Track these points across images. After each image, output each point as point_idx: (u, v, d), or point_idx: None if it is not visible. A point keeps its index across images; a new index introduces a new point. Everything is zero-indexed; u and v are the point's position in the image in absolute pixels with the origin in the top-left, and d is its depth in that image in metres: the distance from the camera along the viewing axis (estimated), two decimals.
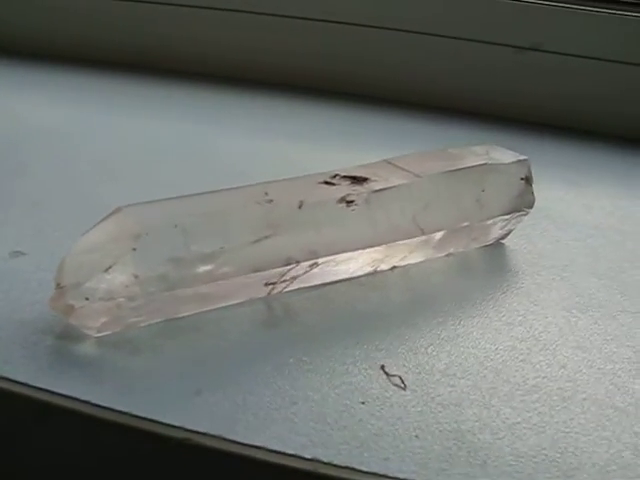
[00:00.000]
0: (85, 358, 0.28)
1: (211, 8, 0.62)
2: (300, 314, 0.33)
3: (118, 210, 0.31)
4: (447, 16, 0.59)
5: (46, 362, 0.28)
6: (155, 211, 0.31)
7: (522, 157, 0.40)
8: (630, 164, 0.55)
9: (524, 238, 0.41)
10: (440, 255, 0.38)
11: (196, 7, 0.62)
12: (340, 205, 0.34)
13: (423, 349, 0.31)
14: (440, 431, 0.27)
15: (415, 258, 0.37)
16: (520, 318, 0.34)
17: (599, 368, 0.31)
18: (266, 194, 0.33)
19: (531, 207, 0.40)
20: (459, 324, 0.33)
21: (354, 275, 0.36)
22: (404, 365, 0.30)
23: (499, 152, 0.41)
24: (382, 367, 0.30)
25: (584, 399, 0.29)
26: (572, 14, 0.57)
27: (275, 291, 0.33)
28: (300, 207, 0.33)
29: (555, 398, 0.29)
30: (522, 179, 0.40)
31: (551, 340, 0.33)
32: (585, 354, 0.32)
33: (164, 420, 0.26)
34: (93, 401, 0.26)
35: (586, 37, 0.57)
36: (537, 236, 0.42)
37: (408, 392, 0.29)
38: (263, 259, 0.32)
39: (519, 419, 0.28)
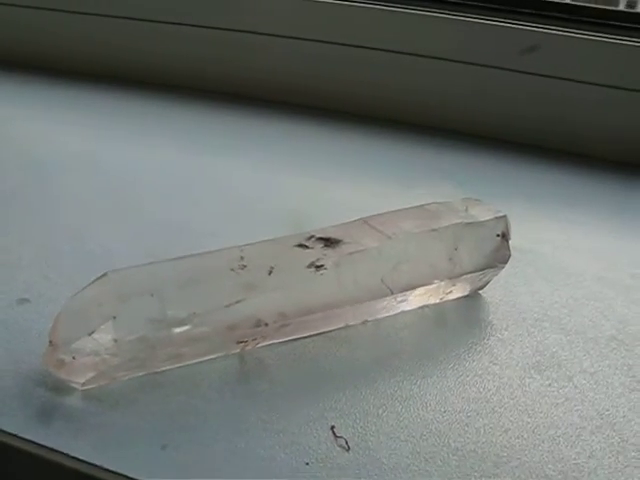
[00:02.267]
0: (70, 411, 0.32)
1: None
2: (269, 371, 0.36)
3: (104, 276, 0.35)
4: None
5: (35, 413, 0.32)
6: (136, 278, 0.35)
7: (500, 214, 0.42)
8: (626, 191, 0.56)
9: (503, 288, 0.43)
10: (413, 308, 0.41)
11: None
12: (309, 270, 0.37)
13: (374, 410, 0.34)
14: None
15: (386, 313, 0.40)
16: (476, 378, 0.36)
17: (539, 434, 0.34)
18: (242, 258, 0.37)
19: (506, 262, 0.42)
20: (415, 384, 0.36)
21: (325, 330, 0.38)
22: (353, 426, 0.33)
23: (478, 208, 0.42)
24: (332, 428, 0.33)
25: (516, 466, 0.32)
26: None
27: (247, 347, 0.37)
28: (270, 273, 0.36)
29: (489, 464, 0.32)
30: (498, 235, 0.42)
31: (500, 403, 0.35)
32: (530, 419, 0.34)
33: (130, 474, 0.30)
34: (71, 454, 0.30)
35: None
36: (516, 285, 0.44)
37: (351, 454, 0.32)
38: (235, 321, 0.35)
39: None
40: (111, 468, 0.30)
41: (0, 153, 0.55)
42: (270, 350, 0.37)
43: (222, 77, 0.67)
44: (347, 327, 0.39)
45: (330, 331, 0.38)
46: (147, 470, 0.30)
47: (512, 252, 0.42)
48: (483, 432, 0.33)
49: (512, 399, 0.35)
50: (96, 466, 0.30)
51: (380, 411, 0.34)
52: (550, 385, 0.36)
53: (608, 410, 0.35)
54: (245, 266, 0.36)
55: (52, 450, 0.30)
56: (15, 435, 0.31)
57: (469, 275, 0.41)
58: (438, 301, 0.41)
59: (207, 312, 0.35)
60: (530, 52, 0.59)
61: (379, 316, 0.40)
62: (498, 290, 0.43)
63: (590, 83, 0.59)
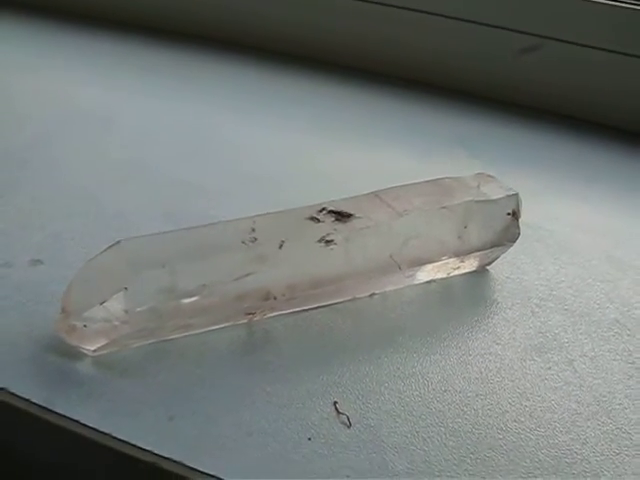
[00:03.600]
0: (81, 377, 0.33)
1: None
2: (275, 342, 0.37)
3: (117, 244, 0.35)
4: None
5: (48, 379, 0.33)
6: (148, 249, 0.35)
7: (511, 192, 0.42)
8: (635, 162, 0.56)
9: (510, 264, 0.44)
10: (420, 282, 0.41)
11: None
12: (319, 244, 0.37)
13: (377, 387, 0.35)
14: (370, 472, 0.31)
15: (393, 286, 0.41)
16: (478, 358, 0.37)
17: (536, 418, 0.34)
18: (253, 230, 0.37)
19: (515, 241, 0.42)
20: (418, 362, 0.37)
21: (332, 302, 0.39)
22: (355, 402, 0.34)
23: (490, 185, 0.42)
24: (335, 403, 0.34)
25: (510, 450, 0.33)
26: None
27: (255, 318, 0.37)
28: (280, 247, 0.36)
29: (484, 447, 0.33)
30: (508, 214, 0.42)
31: (500, 384, 0.36)
32: (528, 402, 0.35)
33: (138, 443, 0.31)
34: (82, 421, 0.31)
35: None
36: (524, 262, 0.44)
37: (352, 431, 0.33)
38: (244, 294, 0.36)
39: (444, 466, 0.31)
40: (120, 437, 0.31)
41: (17, 105, 0.55)
42: (277, 321, 0.38)
43: (230, 29, 0.66)
44: (354, 300, 0.40)
45: (337, 303, 0.39)
46: (155, 440, 0.31)
47: (522, 227, 0.42)
48: (481, 414, 0.34)
49: (512, 381, 0.36)
50: (105, 434, 0.31)
51: (382, 388, 0.35)
52: (550, 368, 0.37)
53: (605, 397, 0.36)
54: (256, 239, 0.37)
55: (62, 416, 0.31)
56: (28, 400, 0.32)
57: (477, 253, 0.42)
58: (445, 276, 0.42)
59: (217, 284, 0.35)
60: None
61: (386, 289, 0.40)
62: (505, 266, 0.44)
63: (614, 52, 0.58)
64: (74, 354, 0.34)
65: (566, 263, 0.45)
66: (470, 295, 0.42)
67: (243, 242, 0.36)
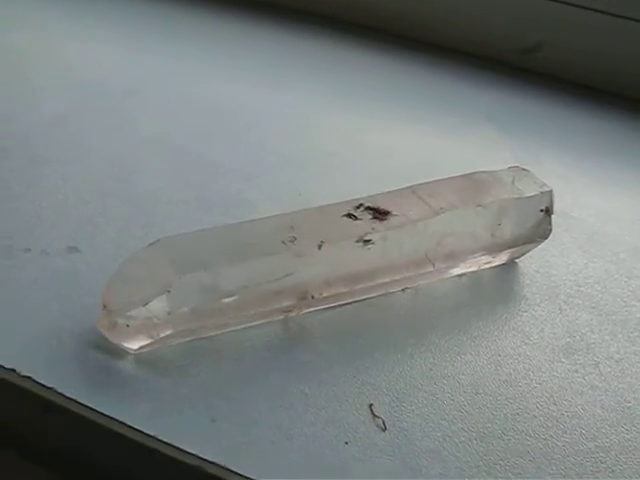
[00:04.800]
0: (123, 377, 0.34)
1: None
2: (311, 339, 0.37)
3: (158, 242, 0.36)
4: None
5: (91, 378, 0.34)
6: (190, 250, 0.35)
7: (546, 188, 0.42)
8: None
9: (539, 256, 0.44)
10: (452, 275, 0.42)
11: None
12: (358, 244, 0.38)
13: (410, 390, 0.36)
14: (405, 477, 0.32)
15: (425, 281, 0.41)
16: (508, 359, 0.38)
17: (563, 424, 0.35)
18: (292, 228, 0.37)
19: (546, 238, 0.43)
20: (450, 362, 0.37)
21: (366, 297, 0.39)
22: (390, 404, 0.35)
23: (525, 181, 0.42)
24: (370, 406, 0.35)
25: (538, 457, 0.34)
26: None
27: (292, 314, 0.38)
28: (320, 247, 0.37)
29: (513, 453, 0.34)
30: (542, 210, 0.42)
31: (529, 387, 0.37)
32: (555, 406, 0.36)
33: (184, 447, 0.32)
34: (128, 423, 0.32)
35: None
36: (552, 254, 0.44)
37: (387, 434, 0.34)
38: (283, 293, 0.37)
39: (475, 472, 0.32)
40: (165, 439, 0.32)
41: (48, 75, 0.54)
42: (312, 317, 0.38)
43: None
44: (387, 294, 0.40)
45: (371, 298, 0.40)
46: (198, 443, 0.32)
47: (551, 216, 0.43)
48: (511, 419, 0.35)
49: (540, 384, 0.37)
50: (150, 436, 0.32)
51: (415, 391, 0.36)
52: (577, 371, 0.38)
53: (630, 403, 0.37)
54: (295, 238, 0.37)
55: (107, 417, 0.32)
56: (75, 400, 0.33)
57: (509, 249, 0.42)
58: (476, 269, 0.43)
59: (257, 285, 0.36)
60: None
61: (418, 283, 0.41)
62: (534, 259, 0.44)
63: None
64: (116, 351, 0.35)
65: (594, 256, 0.45)
66: (500, 290, 0.42)
67: (283, 242, 0.37)
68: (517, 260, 0.44)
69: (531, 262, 0.44)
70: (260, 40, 0.61)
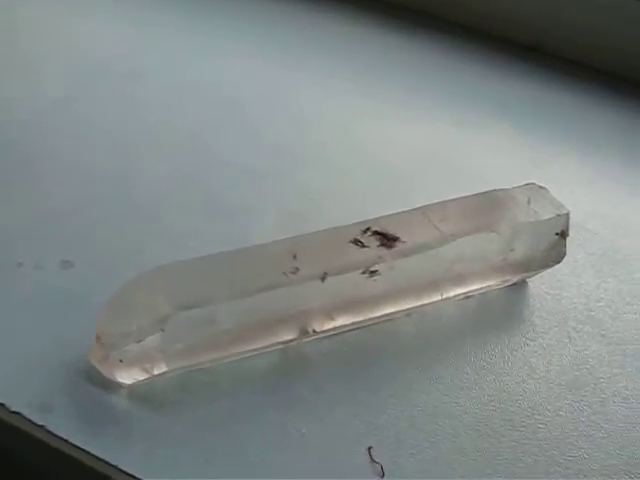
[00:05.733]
0: (117, 413, 0.33)
1: None
2: (310, 371, 0.36)
3: (154, 272, 0.34)
4: None
5: (83, 414, 0.33)
6: (186, 281, 0.34)
7: (563, 210, 0.40)
8: None
9: (550, 275, 0.42)
10: (459, 297, 0.40)
11: None
12: (363, 276, 0.36)
13: (411, 431, 0.34)
14: None
15: (431, 305, 0.39)
16: (512, 396, 0.36)
17: (567, 468, 0.34)
18: (294, 257, 0.35)
19: (560, 261, 0.41)
20: (453, 399, 0.36)
21: (369, 323, 0.38)
22: (389, 446, 0.34)
23: (541, 202, 0.40)
24: (369, 449, 0.34)
25: None
26: None
27: (292, 344, 0.37)
28: (323, 280, 0.35)
29: None
30: (557, 234, 0.40)
31: (532, 429, 0.35)
32: (557, 451, 0.34)
33: None
34: (120, 466, 0.31)
35: None
36: (564, 274, 0.42)
37: None
38: (282, 327, 0.35)
39: None
40: None
41: (51, 55, 0.51)
42: (312, 346, 0.37)
43: None
44: (391, 319, 0.39)
45: (374, 322, 0.39)
46: None
47: None
48: (513, 464, 0.34)
49: (544, 424, 0.36)
50: None
51: (416, 432, 0.34)
52: (582, 410, 0.37)
53: (635, 445, 0.36)
54: (297, 269, 0.35)
55: (101, 460, 0.31)
56: (65, 440, 0.32)
57: (520, 273, 0.41)
58: (484, 291, 0.41)
59: (255, 319, 0.35)
60: None
61: (424, 307, 0.39)
62: (545, 277, 0.42)
63: None
64: (109, 384, 0.34)
65: (607, 275, 0.43)
66: (507, 315, 0.41)
67: (284, 273, 0.35)
68: (527, 280, 0.43)
69: (542, 282, 0.42)
70: (271, 19, 0.57)
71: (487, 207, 0.40)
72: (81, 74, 0.50)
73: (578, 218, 0.45)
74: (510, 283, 0.41)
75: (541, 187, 0.41)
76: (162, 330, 0.33)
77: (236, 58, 0.53)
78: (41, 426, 0.32)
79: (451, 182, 0.47)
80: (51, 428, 0.32)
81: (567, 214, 0.40)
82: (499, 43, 0.57)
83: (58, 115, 0.46)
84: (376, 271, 0.36)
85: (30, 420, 0.32)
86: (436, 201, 0.40)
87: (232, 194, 0.43)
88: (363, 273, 0.36)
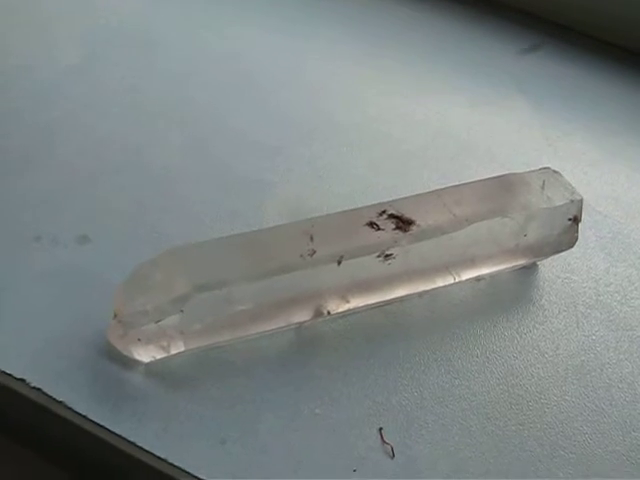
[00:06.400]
0: (134, 391, 0.34)
1: None
2: (324, 351, 0.37)
3: (173, 252, 0.34)
4: None
5: (101, 391, 0.33)
6: (204, 262, 0.34)
7: (577, 196, 0.40)
8: None
9: (560, 258, 0.42)
10: (470, 279, 0.40)
11: None
12: (379, 259, 0.36)
13: (420, 413, 0.35)
14: None
15: (443, 286, 0.40)
16: (520, 379, 0.37)
17: (571, 452, 0.35)
18: (311, 239, 0.36)
19: (572, 246, 0.41)
20: (462, 382, 0.36)
21: (382, 303, 0.38)
22: (400, 428, 0.35)
23: (555, 187, 0.40)
24: (380, 430, 0.35)
25: None
26: None
27: (305, 324, 0.37)
28: (339, 263, 0.35)
29: None
30: (570, 219, 0.41)
31: (539, 413, 0.36)
32: (562, 435, 0.35)
33: (191, 471, 0.32)
34: (138, 443, 0.32)
35: None
36: (574, 257, 0.43)
37: (395, 462, 0.34)
38: (297, 308, 0.36)
39: None
40: (174, 462, 0.32)
41: (64, 20, 0.50)
42: (326, 325, 0.38)
43: None
44: (404, 300, 0.39)
45: (387, 303, 0.39)
46: (207, 467, 0.32)
47: None
48: (519, 448, 0.35)
49: (550, 408, 0.37)
50: (160, 458, 0.32)
51: (425, 414, 0.35)
52: (588, 396, 0.38)
53: (637, 432, 0.37)
54: (314, 251, 0.35)
55: (119, 436, 0.32)
56: (85, 416, 0.32)
57: (532, 258, 0.41)
58: (495, 273, 0.41)
59: (272, 300, 0.35)
60: None
61: (436, 288, 0.40)
62: (556, 260, 0.43)
63: None
64: (127, 360, 0.34)
65: (617, 260, 0.44)
66: (518, 298, 0.41)
67: (301, 255, 0.35)
68: (538, 262, 0.43)
69: (552, 265, 0.43)
70: None
71: (501, 192, 0.40)
72: (96, 41, 0.49)
73: (590, 200, 0.46)
74: (521, 266, 0.42)
75: (555, 172, 0.41)
76: (181, 311, 0.33)
77: (250, 29, 0.53)
78: (60, 402, 0.33)
79: (462, 160, 0.47)
80: (70, 404, 0.33)
81: (580, 200, 0.40)
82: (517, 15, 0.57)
83: (73, 83, 0.46)
84: (391, 254, 0.37)
85: (50, 396, 0.33)
86: (448, 179, 0.40)
87: (244, 167, 0.44)
88: (378, 257, 0.36)
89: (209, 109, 0.47)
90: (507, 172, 0.43)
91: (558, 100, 0.52)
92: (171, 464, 0.32)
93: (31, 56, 0.47)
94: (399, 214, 0.38)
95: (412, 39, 0.55)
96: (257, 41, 0.52)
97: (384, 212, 0.38)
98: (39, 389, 0.33)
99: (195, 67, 0.49)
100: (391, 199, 0.39)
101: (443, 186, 0.40)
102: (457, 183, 0.40)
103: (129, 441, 0.32)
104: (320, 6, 0.55)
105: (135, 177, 0.42)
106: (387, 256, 0.37)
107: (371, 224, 0.37)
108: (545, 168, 0.42)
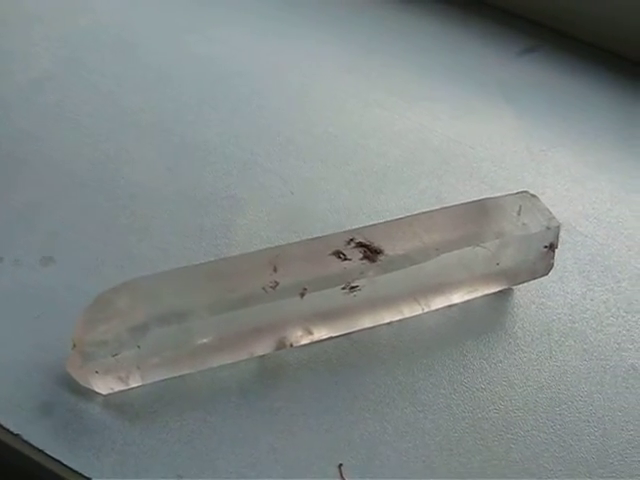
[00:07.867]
0: (91, 424, 0.33)
1: None
2: (287, 382, 0.36)
3: (131, 284, 0.34)
4: None
5: (58, 424, 0.33)
6: (164, 295, 0.33)
7: (553, 223, 0.39)
8: None
9: (537, 283, 0.41)
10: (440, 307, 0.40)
11: None
12: (343, 291, 0.35)
13: (382, 448, 0.34)
14: None
15: (411, 316, 0.39)
16: (486, 414, 0.36)
17: None
18: (275, 270, 0.35)
19: (547, 274, 0.40)
20: (427, 416, 0.36)
21: (347, 333, 0.38)
22: (360, 463, 0.34)
23: (532, 212, 0.39)
24: (339, 466, 0.34)
25: None
26: None
27: (267, 356, 0.37)
28: (302, 296, 0.35)
29: None
30: (546, 247, 0.40)
31: (503, 454, 0.35)
32: None
33: None
34: (94, 479, 0.32)
35: None
36: (552, 281, 0.41)
37: None
38: (259, 341, 0.35)
39: None
40: None
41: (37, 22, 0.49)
42: (290, 354, 0.37)
43: None
44: (371, 328, 0.39)
45: (353, 333, 0.38)
46: None
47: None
48: None
49: (515, 444, 0.36)
50: None
51: (387, 450, 0.35)
52: (556, 431, 0.37)
53: (604, 476, 0.36)
54: (277, 283, 0.35)
55: (75, 472, 0.32)
56: (42, 451, 0.32)
57: (505, 286, 0.40)
58: (467, 300, 0.41)
59: (234, 336, 0.34)
60: None
61: (404, 318, 0.39)
62: (531, 284, 0.41)
63: None
64: (86, 392, 0.34)
65: (594, 284, 0.43)
66: (489, 325, 0.40)
67: (263, 288, 0.35)
68: (513, 287, 0.42)
69: (527, 289, 0.42)
70: None
71: (476, 217, 0.39)
72: (64, 44, 0.48)
73: (570, 219, 0.45)
74: (494, 291, 0.41)
75: (533, 196, 0.40)
76: (138, 347, 0.32)
77: (231, 30, 0.51)
78: (17, 435, 0.33)
79: (441, 175, 0.45)
80: (27, 437, 0.33)
81: (558, 227, 0.39)
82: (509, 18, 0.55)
83: (36, 95, 0.45)
84: (357, 286, 0.36)
85: (6, 429, 0.33)
86: (425, 196, 0.40)
87: (213, 183, 0.42)
88: (343, 288, 0.36)
89: (181, 120, 0.45)
90: (487, 188, 0.42)
91: (545, 109, 0.51)
92: None
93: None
94: (368, 242, 0.37)
95: (399, 43, 0.53)
96: (236, 44, 0.51)
97: (352, 240, 0.37)
98: None
99: (168, 73, 0.48)
100: (365, 217, 0.38)
101: (419, 203, 0.39)
102: (431, 208, 0.39)
103: (85, 477, 0.32)
104: (305, 8, 0.54)
105: (103, 194, 0.41)
106: (352, 288, 0.36)
107: (338, 253, 0.37)
108: (523, 192, 0.40)
